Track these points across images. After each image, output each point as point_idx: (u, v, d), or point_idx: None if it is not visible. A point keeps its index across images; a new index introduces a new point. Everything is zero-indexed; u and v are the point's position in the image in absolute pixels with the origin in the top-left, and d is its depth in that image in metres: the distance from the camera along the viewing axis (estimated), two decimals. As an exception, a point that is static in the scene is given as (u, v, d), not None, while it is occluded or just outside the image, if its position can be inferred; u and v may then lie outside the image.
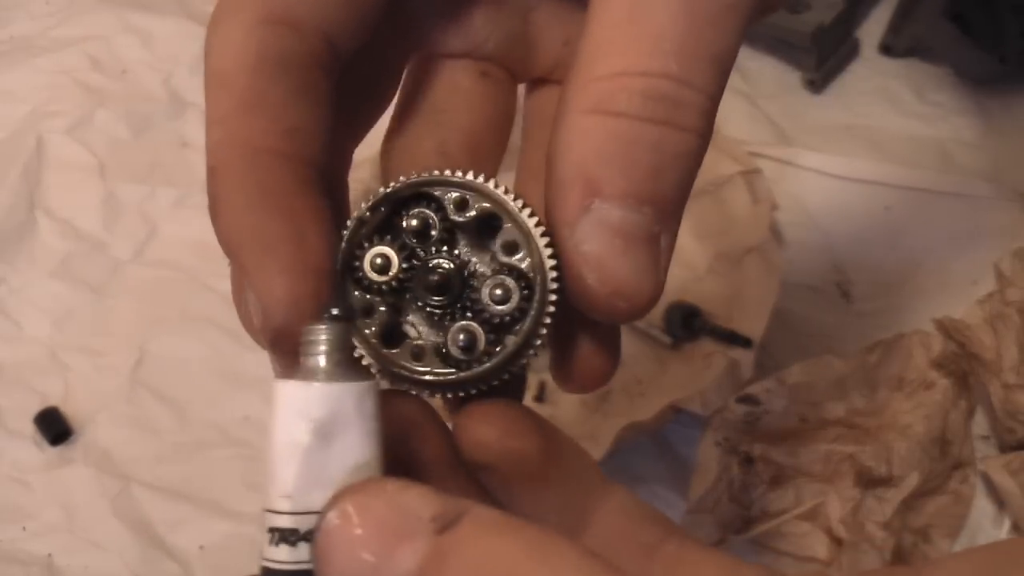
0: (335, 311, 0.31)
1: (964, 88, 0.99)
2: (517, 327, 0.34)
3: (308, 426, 0.29)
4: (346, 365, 0.31)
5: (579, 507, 0.37)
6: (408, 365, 0.35)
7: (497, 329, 0.35)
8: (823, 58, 1.00)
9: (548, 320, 0.34)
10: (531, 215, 0.34)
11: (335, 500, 0.28)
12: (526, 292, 0.34)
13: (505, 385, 0.35)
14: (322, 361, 0.31)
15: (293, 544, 0.29)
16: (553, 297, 0.34)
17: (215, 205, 0.34)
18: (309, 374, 0.31)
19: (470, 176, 0.35)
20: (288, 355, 0.33)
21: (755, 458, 0.74)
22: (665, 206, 0.33)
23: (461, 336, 0.34)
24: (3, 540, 0.76)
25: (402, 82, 0.43)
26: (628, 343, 0.85)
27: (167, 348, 0.86)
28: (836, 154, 0.96)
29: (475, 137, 0.41)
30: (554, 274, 0.34)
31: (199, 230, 0.35)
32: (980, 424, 0.78)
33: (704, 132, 0.34)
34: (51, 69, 1.05)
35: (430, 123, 0.42)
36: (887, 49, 1.03)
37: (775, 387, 0.75)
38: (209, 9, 0.36)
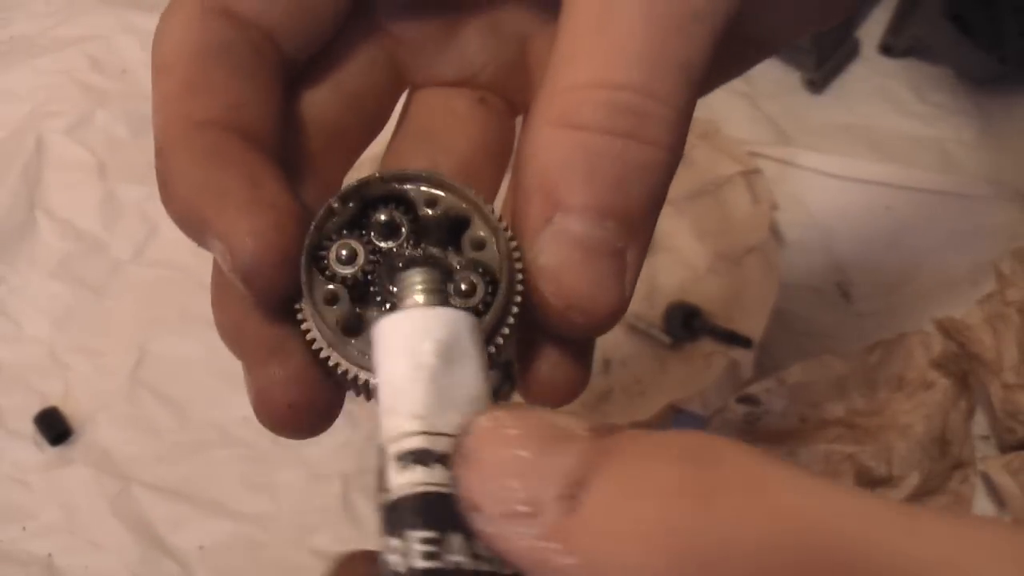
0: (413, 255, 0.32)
1: (964, 88, 0.99)
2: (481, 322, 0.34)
3: (433, 347, 0.29)
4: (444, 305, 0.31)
5: None
6: (367, 353, 0.33)
7: None
8: (823, 58, 1.00)
9: (512, 320, 0.34)
10: (500, 219, 0.34)
11: (477, 417, 0.27)
12: (491, 288, 0.34)
13: None
14: (421, 299, 0.31)
15: (428, 465, 0.27)
16: (519, 299, 0.33)
17: (166, 182, 0.33)
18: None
19: (442, 174, 0.35)
20: (265, 295, 0.32)
21: (755, 458, 0.74)
22: (630, 220, 0.32)
23: None
24: (3, 540, 0.76)
25: (401, 109, 0.42)
26: (628, 343, 0.85)
27: (167, 348, 0.86)
28: (836, 154, 0.96)
29: (469, 162, 0.40)
30: (520, 276, 0.33)
31: (199, 230, 0.35)
32: (980, 424, 0.78)
33: (672, 146, 0.33)
34: (51, 69, 1.05)
35: (423, 145, 0.41)
36: (887, 49, 1.03)
37: (775, 387, 0.75)
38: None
